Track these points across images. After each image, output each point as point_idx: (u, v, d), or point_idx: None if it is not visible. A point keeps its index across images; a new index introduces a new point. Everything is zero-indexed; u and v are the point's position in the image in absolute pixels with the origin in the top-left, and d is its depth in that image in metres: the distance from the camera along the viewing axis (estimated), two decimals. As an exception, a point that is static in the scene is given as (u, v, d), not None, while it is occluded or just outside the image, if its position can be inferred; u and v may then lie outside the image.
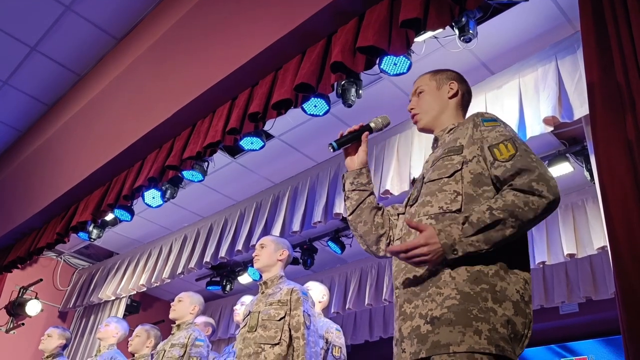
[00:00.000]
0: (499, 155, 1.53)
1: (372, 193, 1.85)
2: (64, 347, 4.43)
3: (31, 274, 6.52)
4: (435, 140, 1.82)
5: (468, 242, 1.43)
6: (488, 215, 1.43)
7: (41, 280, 6.48)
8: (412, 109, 1.86)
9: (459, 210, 1.53)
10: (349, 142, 1.82)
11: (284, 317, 2.73)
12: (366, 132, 1.84)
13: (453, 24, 2.79)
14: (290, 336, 2.70)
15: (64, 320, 6.81)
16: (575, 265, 5.29)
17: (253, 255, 3.07)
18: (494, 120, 1.65)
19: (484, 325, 1.37)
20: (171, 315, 3.61)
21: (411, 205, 1.72)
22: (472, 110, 1.86)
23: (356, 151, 1.85)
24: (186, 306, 3.60)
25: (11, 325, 6.29)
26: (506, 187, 1.50)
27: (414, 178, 1.91)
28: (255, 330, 2.74)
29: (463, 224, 1.45)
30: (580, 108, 3.04)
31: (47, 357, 4.33)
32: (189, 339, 3.38)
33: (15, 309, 6.24)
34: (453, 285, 1.44)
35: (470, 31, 2.82)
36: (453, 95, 1.82)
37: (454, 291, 1.43)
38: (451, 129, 1.77)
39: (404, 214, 1.80)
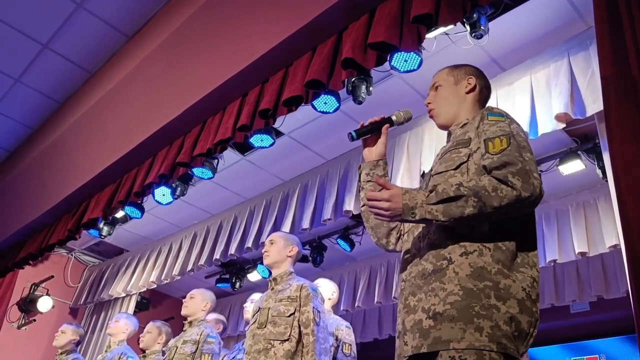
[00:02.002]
0: (492, 148, 1.53)
1: None
2: (78, 343, 4.46)
3: (42, 270, 6.57)
4: (449, 134, 1.82)
5: (428, 209, 1.45)
6: (454, 189, 1.45)
7: (52, 277, 6.52)
8: (429, 103, 1.85)
9: None
10: (369, 133, 1.81)
11: (293, 313, 2.73)
12: (386, 125, 1.83)
13: (464, 20, 2.77)
14: (300, 332, 2.69)
15: (75, 317, 6.85)
16: (586, 264, 5.25)
17: (263, 251, 3.07)
18: (500, 115, 1.63)
19: (486, 322, 1.37)
20: (183, 312, 3.63)
21: None
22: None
23: (375, 143, 1.85)
24: (198, 303, 3.61)
25: (23, 322, 6.34)
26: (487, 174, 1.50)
27: (423, 172, 1.91)
28: (264, 327, 2.74)
29: (430, 192, 1.48)
30: (593, 105, 3.01)
31: (61, 353, 4.36)
32: (200, 335, 3.39)
33: (27, 306, 6.29)
34: (456, 281, 1.44)
35: (482, 27, 2.80)
36: (470, 90, 1.80)
37: (456, 287, 1.43)
38: (465, 124, 1.76)
39: None
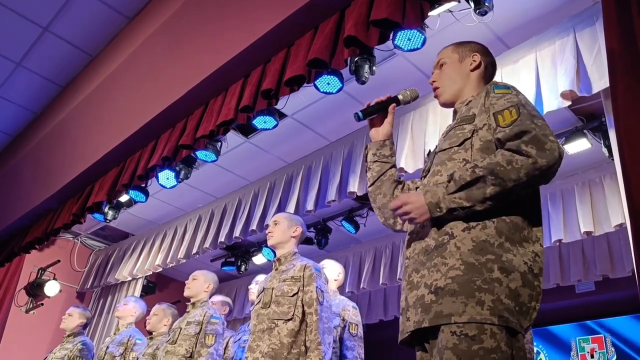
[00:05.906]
0: (502, 121, 1.52)
1: (393, 166, 1.85)
2: (85, 326, 4.50)
3: (49, 255, 6.61)
4: (455, 113, 1.80)
5: (451, 199, 1.46)
6: (469, 173, 1.45)
7: (59, 261, 6.57)
8: (433, 81, 1.83)
9: None
10: (375, 113, 1.80)
11: (297, 293, 2.74)
12: (393, 104, 1.82)
13: (469, -4, 2.73)
14: (304, 312, 2.70)
15: (82, 301, 6.90)
16: (592, 243, 5.24)
17: (267, 232, 3.07)
18: (507, 88, 1.62)
19: (487, 296, 1.37)
20: (186, 293, 3.64)
21: (424, 177, 1.71)
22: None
23: (381, 123, 1.84)
24: (200, 284, 3.63)
25: (31, 306, 6.40)
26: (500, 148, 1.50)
27: (429, 151, 1.89)
28: (268, 306, 2.75)
29: (448, 182, 1.49)
30: (599, 81, 2.98)
31: (68, 335, 4.40)
32: (204, 316, 3.41)
33: (34, 290, 6.35)
34: (458, 255, 1.44)
35: (486, 4, 2.76)
36: (475, 67, 1.78)
37: (458, 262, 1.43)
38: (469, 101, 1.74)
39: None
